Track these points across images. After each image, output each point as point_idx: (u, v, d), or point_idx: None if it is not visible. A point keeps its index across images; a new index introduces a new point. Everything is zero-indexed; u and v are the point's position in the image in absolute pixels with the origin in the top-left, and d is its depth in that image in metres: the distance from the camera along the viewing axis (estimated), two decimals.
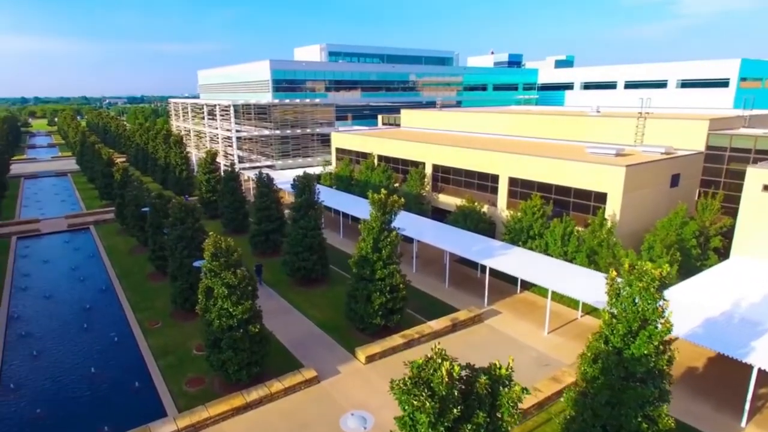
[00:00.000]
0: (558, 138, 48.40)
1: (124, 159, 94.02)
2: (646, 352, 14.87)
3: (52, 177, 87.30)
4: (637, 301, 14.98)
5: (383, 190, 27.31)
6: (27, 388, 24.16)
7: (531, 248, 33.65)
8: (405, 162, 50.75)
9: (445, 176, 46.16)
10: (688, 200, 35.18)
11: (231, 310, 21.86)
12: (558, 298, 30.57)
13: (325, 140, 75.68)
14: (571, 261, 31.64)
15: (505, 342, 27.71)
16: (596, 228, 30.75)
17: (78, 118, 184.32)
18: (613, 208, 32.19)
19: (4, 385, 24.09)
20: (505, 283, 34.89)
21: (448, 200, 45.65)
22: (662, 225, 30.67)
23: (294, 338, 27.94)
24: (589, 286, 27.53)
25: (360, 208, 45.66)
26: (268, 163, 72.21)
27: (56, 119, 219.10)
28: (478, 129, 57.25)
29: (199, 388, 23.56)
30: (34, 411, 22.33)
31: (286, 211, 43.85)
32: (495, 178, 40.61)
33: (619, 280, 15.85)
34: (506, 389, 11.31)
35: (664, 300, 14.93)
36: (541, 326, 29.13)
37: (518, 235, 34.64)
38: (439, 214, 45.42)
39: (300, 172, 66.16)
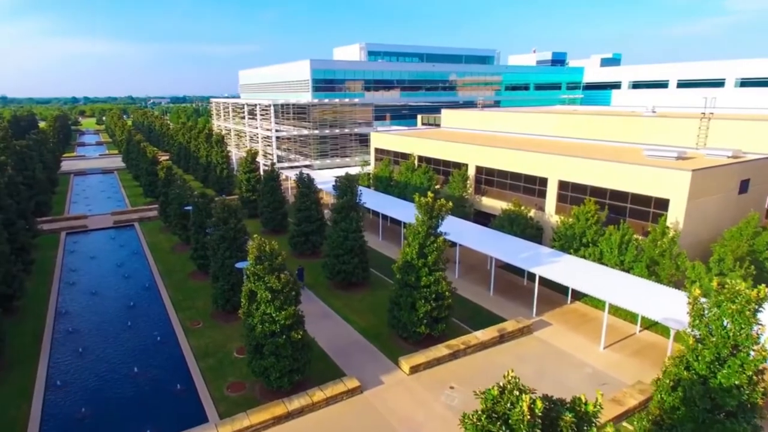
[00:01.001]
0: (609, 140, 45.99)
1: (167, 157, 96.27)
2: (737, 382, 13.20)
3: (99, 174, 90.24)
4: (727, 324, 13.31)
5: (430, 193, 26.13)
6: (73, 386, 24.30)
7: (583, 256, 31.77)
8: (446, 163, 49.39)
9: (489, 178, 44.55)
10: (759, 208, 32.48)
11: (274, 315, 21.24)
12: (613, 310, 28.64)
13: (363, 140, 75.16)
14: (628, 271, 29.63)
15: (557, 356, 26.08)
16: (657, 237, 28.62)
17: (124, 117, 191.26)
18: (675, 216, 29.94)
19: (51, 382, 24.28)
20: (554, 293, 33.13)
21: (492, 203, 44.05)
22: (731, 235, 28.25)
23: (335, 345, 27.17)
24: (649, 299, 25.66)
25: (399, 209, 44.74)
26: (306, 162, 72.22)
27: (104, 118, 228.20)
28: (522, 130, 55.24)
29: (240, 394, 23.08)
30: (79, 410, 22.34)
31: (326, 212, 43.36)
32: (543, 181, 38.78)
33: (702, 299, 14.20)
34: (594, 430, 9.89)
35: (760, 325, 13.21)
36: (595, 340, 27.32)
37: (569, 242, 32.80)
38: (482, 218, 43.91)
39: (338, 172, 66.05)
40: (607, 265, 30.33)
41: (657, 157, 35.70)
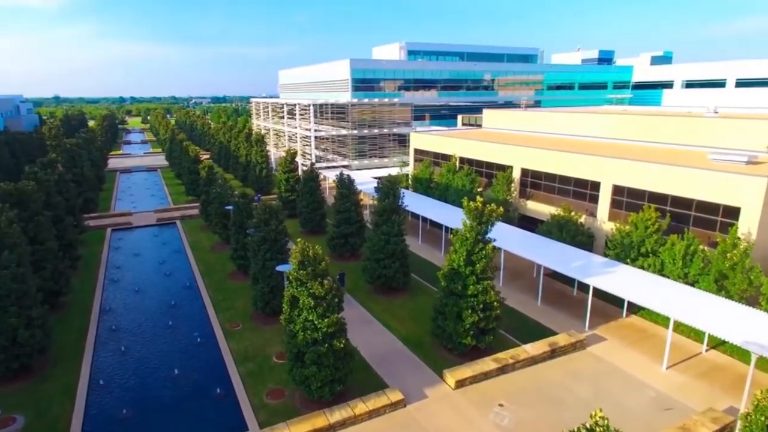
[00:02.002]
0: (667, 142, 43.21)
1: (208, 156, 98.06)
2: None
3: (144, 172, 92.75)
4: None
5: (479, 198, 24.78)
6: (114, 386, 24.26)
7: (642, 267, 29.62)
8: (489, 165, 47.69)
9: (536, 181, 42.61)
10: None
11: (316, 322, 20.44)
12: (676, 326, 26.46)
13: (402, 141, 74.10)
14: (692, 285, 27.37)
15: (614, 375, 24.22)
16: (727, 248, 26.25)
17: (168, 116, 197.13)
18: (748, 226, 27.43)
19: (94, 381, 24.31)
20: (608, 305, 31.11)
21: (538, 208, 42.13)
22: None
23: (376, 353, 26.18)
24: (719, 316, 23.48)
25: (440, 212, 43.44)
26: (344, 163, 71.78)
27: (149, 117, 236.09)
28: (570, 131, 52.81)
29: (279, 401, 22.41)
30: (121, 411, 22.19)
31: (365, 213, 42.57)
32: (595, 186, 36.64)
33: None
34: None
35: None
36: (657, 359, 25.27)
37: (626, 252, 30.69)
38: (527, 223, 42.06)
39: (376, 172, 65.26)
40: (668, 277, 28.13)
41: (724, 161, 33.04)
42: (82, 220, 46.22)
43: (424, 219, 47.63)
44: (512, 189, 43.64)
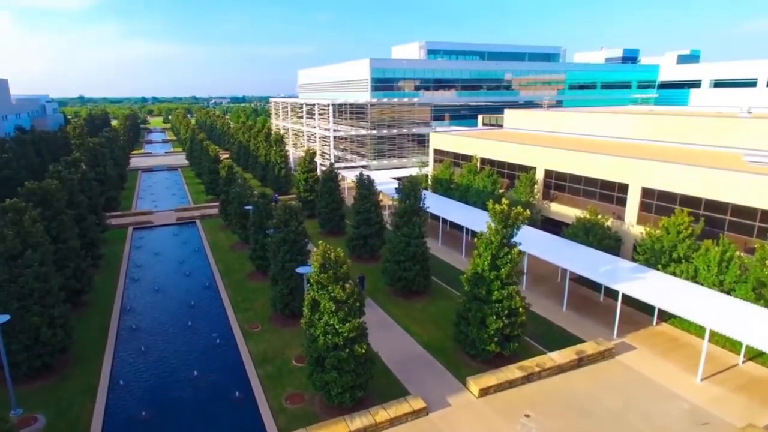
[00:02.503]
0: (697, 143, 41.71)
1: (227, 155, 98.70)
2: None
3: (165, 171, 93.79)
4: None
5: (504, 200, 24.05)
6: (134, 386, 24.18)
7: (674, 273, 28.48)
8: (512, 166, 46.71)
9: (560, 183, 41.54)
10: None
11: (337, 327, 19.97)
12: (710, 336, 25.30)
13: (421, 141, 73.42)
14: (728, 293, 26.17)
15: (645, 386, 23.23)
16: (767, 255, 24.99)
17: (188, 116, 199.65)
18: None
19: (114, 381, 24.26)
20: (636, 311, 30.04)
21: (562, 210, 41.06)
22: None
23: (397, 358, 25.62)
24: (757, 325, 22.36)
25: (461, 214, 42.70)
26: (363, 163, 71.39)
27: (170, 117, 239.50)
28: (595, 131, 51.48)
29: (299, 406, 22.02)
30: (140, 412, 22.06)
31: (385, 214, 42.05)
32: (623, 188, 35.48)
33: None
34: None
35: None
36: (689, 369, 24.19)
37: (657, 257, 29.55)
38: (550, 225, 41.01)
39: (395, 173, 64.68)
40: (702, 284, 26.95)
41: (761, 163, 31.63)
42: (104, 218, 46.68)
43: (444, 221, 46.92)
44: (535, 191, 42.63)
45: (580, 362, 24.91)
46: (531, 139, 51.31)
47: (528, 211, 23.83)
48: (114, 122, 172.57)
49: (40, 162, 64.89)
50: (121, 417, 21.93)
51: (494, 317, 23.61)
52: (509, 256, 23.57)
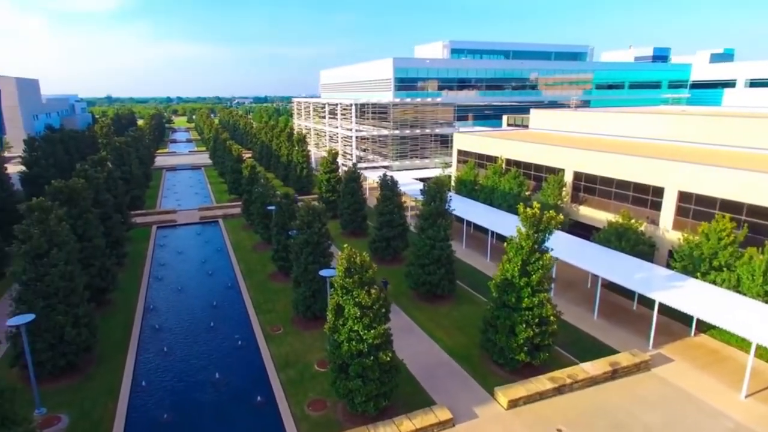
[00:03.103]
0: (735, 145, 39.83)
1: (249, 155, 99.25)
2: None
3: (188, 170, 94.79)
4: None
5: (536, 204, 23.09)
6: (156, 388, 24.00)
7: (714, 282, 27.03)
8: (539, 168, 45.46)
9: (590, 186, 40.18)
10: None
11: (362, 333, 19.34)
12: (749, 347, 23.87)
13: (444, 141, 72.45)
14: None
15: (685, 402, 21.98)
16: None
17: (212, 116, 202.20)
18: None
19: (137, 382, 24.12)
20: (672, 321, 28.66)
21: (592, 214, 39.69)
22: None
23: (421, 365, 24.86)
24: None
25: (485, 216, 41.75)
26: (385, 163, 70.78)
27: (194, 117, 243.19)
28: (626, 132, 49.77)
29: (321, 413, 21.47)
30: (162, 415, 21.82)
31: (407, 215, 41.33)
32: (658, 192, 34.02)
33: None
34: None
35: None
36: (733, 385, 22.83)
37: (695, 264, 28.12)
38: (579, 229, 39.71)
39: (417, 173, 63.85)
40: (746, 294, 25.47)
41: None
42: (129, 217, 47.07)
43: (468, 223, 45.92)
44: (564, 193, 41.34)
45: (615, 374, 23.76)
46: (558, 140, 49.94)
47: (561, 216, 22.82)
48: (140, 122, 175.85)
49: (68, 160, 66.05)
50: (143, 419, 21.73)
51: (524, 325, 22.68)
52: (540, 262, 22.62)
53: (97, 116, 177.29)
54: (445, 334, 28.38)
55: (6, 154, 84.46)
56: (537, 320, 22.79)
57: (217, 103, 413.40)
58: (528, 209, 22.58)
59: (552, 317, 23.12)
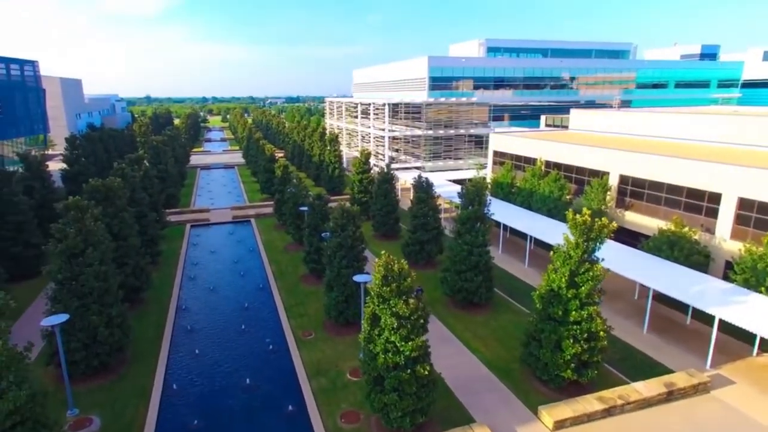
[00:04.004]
0: None
1: (282, 154, 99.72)
2: None
3: (222, 169, 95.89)
4: None
5: (586, 210, 21.51)
6: (187, 392, 23.60)
7: None
8: (581, 170, 43.38)
9: (637, 190, 37.95)
10: None
11: (399, 345, 18.30)
12: None
13: (479, 142, 70.71)
14: None
15: (748, 429, 20.02)
16: None
17: (245, 115, 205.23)
18: None
19: (168, 385, 23.79)
20: (731, 338, 26.49)
21: (640, 220, 37.48)
22: None
23: (458, 378, 23.62)
24: None
25: (524, 220, 40.16)
26: (418, 164, 69.56)
27: (228, 116, 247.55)
28: (675, 133, 47.08)
29: (354, 426, 20.55)
30: (192, 421, 21.35)
31: (441, 218, 40.05)
32: (715, 198, 31.69)
33: None
34: None
35: None
36: None
37: (758, 278, 25.87)
38: (625, 236, 37.51)
39: (450, 175, 62.37)
40: None
41: None
42: (164, 215, 47.46)
43: (505, 227, 44.34)
44: (608, 198, 39.24)
45: (670, 396, 21.94)
46: (601, 141, 47.67)
47: (614, 224, 21.18)
48: (176, 121, 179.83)
49: (107, 158, 67.58)
50: (173, 423, 21.33)
51: (571, 341, 21.17)
52: (591, 273, 21.05)
53: (136, 115, 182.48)
54: (483, 345, 27.04)
55: (50, 151, 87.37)
56: (585, 335, 21.24)
57: (250, 102, 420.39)
58: (578, 216, 21.04)
59: (602, 332, 21.52)
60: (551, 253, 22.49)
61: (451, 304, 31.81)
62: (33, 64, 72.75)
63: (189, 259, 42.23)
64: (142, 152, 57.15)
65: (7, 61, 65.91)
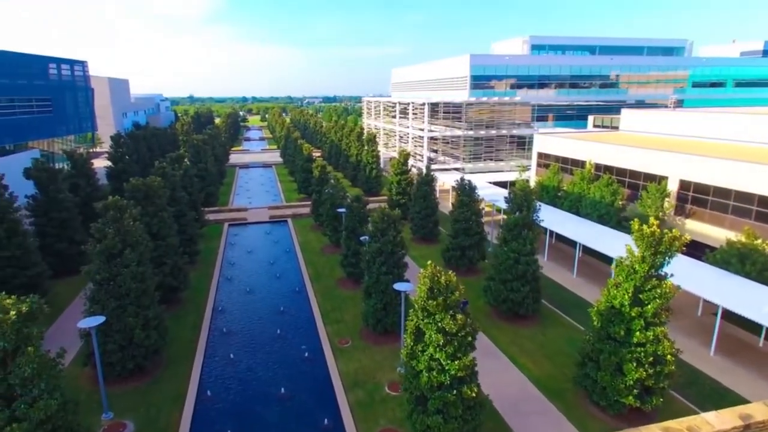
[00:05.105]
0: None
1: (319, 154, 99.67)
2: None
3: (260, 168, 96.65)
4: None
5: (653, 220, 19.45)
6: (221, 398, 22.95)
7: None
8: (635, 174, 40.64)
9: (700, 197, 35.06)
10: None
11: (444, 363, 16.87)
12: None
13: (521, 143, 68.15)
14: None
15: None
16: None
17: (283, 114, 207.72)
18: None
19: (202, 391, 23.20)
20: None
21: (702, 229, 34.60)
22: None
23: (505, 397, 21.95)
24: None
25: (572, 227, 37.95)
26: (457, 165, 67.66)
27: (266, 115, 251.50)
28: (741, 136, 43.50)
29: None
30: (225, 430, 20.60)
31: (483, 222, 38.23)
32: None
33: None
34: None
35: None
36: None
37: None
38: (685, 246, 34.59)
39: (491, 177, 60.20)
40: None
41: None
42: (203, 214, 47.60)
43: (551, 233, 42.02)
44: (666, 204, 36.46)
45: (746, 430, 19.51)
46: (656, 143, 44.63)
47: (687, 236, 19.04)
48: (217, 120, 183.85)
49: (150, 156, 68.94)
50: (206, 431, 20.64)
51: (634, 364, 19.18)
52: (658, 290, 19.00)
53: (179, 114, 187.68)
54: (531, 362, 25.24)
55: (97, 149, 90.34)
56: (651, 359, 19.20)
57: (288, 102, 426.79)
58: (645, 227, 19.01)
59: (669, 356, 19.42)
60: (612, 266, 20.51)
61: (494, 314, 30.09)
62: (82, 64, 75.12)
63: (226, 258, 42.04)
64: (182, 151, 57.84)
65: (58, 61, 68.23)
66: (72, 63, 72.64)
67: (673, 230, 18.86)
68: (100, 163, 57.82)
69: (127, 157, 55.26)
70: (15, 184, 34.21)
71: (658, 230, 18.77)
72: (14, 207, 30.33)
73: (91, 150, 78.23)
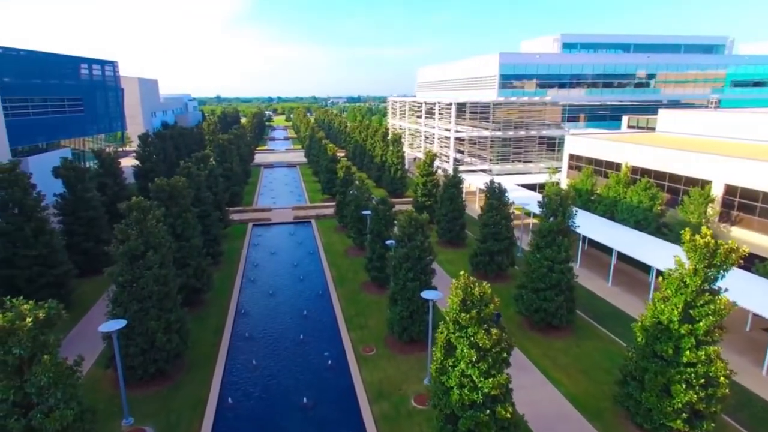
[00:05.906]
0: None
1: (343, 154, 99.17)
2: None
3: (285, 168, 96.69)
4: None
5: (706, 230, 17.89)
6: (242, 406, 22.31)
7: None
8: (675, 178, 38.58)
9: (747, 203, 32.92)
10: None
11: (477, 381, 15.76)
12: None
13: (551, 144, 66.12)
14: None
15: None
16: None
17: (308, 114, 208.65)
18: None
19: (223, 398, 22.60)
20: None
21: (749, 237, 32.48)
22: None
23: (539, 416, 20.66)
24: None
25: (607, 232, 36.24)
26: (484, 166, 66.08)
27: (291, 115, 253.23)
28: None
29: None
30: None
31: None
32: None
33: None
34: None
35: None
36: None
37: None
38: None
39: (519, 179, 58.48)
40: None
41: None
42: (227, 214, 47.42)
43: (584, 239, 40.26)
44: (710, 210, 34.39)
45: None
46: (697, 145, 42.35)
47: (746, 247, 17.42)
48: (243, 120, 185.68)
49: (177, 156, 69.46)
50: None
51: (683, 386, 17.68)
52: (711, 306, 17.44)
53: (206, 114, 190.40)
54: (565, 376, 23.85)
55: (126, 148, 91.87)
56: (702, 380, 17.66)
57: (313, 102, 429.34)
58: (698, 237, 17.48)
59: (723, 378, 17.83)
60: (659, 278, 19.03)
61: (526, 324, 28.73)
62: (113, 64, 76.29)
63: (249, 259, 41.67)
64: (208, 150, 57.93)
65: (89, 61, 69.37)
66: (103, 63, 73.87)
67: (730, 241, 17.28)
68: (129, 162, 58.43)
69: (154, 156, 55.63)
70: (47, 182, 34.51)
71: (713, 241, 17.22)
72: (42, 206, 30.39)
73: (120, 149, 79.45)
